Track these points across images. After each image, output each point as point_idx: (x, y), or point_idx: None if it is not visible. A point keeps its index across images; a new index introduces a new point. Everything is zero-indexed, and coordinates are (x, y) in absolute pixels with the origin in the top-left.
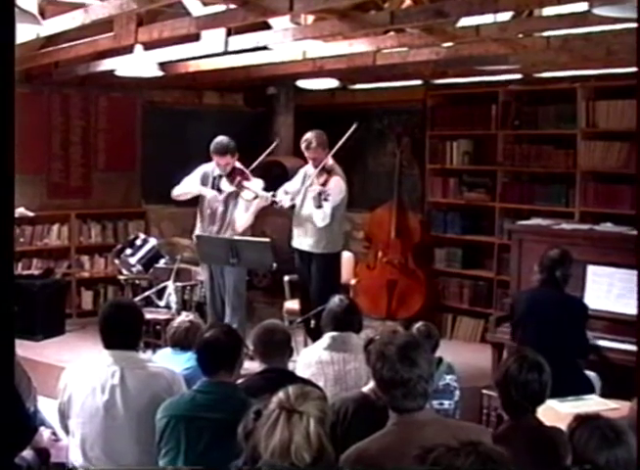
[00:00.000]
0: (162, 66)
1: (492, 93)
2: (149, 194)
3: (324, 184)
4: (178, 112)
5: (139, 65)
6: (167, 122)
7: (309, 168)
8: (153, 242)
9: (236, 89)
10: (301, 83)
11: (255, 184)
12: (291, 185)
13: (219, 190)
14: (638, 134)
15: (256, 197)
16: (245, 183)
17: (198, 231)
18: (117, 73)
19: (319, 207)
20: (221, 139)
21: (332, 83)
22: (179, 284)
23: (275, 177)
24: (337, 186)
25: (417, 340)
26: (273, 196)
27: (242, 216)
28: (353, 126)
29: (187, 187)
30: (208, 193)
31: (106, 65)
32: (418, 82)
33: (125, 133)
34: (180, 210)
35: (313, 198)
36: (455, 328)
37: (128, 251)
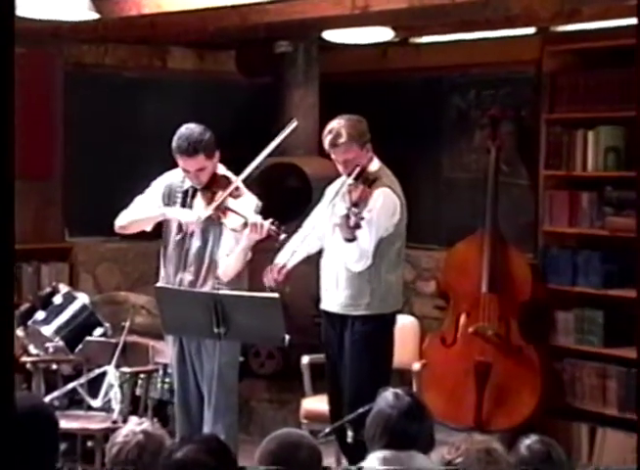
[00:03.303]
0: (98, 3)
1: None
2: (76, 219)
3: (360, 201)
4: (126, 82)
5: (59, 0)
6: (108, 99)
7: (341, 183)
8: (83, 299)
9: (223, 45)
10: (332, 35)
11: (245, 203)
12: (312, 226)
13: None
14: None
15: (246, 225)
16: (229, 203)
17: (161, 281)
18: (21, 15)
19: (350, 239)
20: (188, 129)
21: (382, 35)
22: (126, 370)
23: (286, 194)
24: (384, 203)
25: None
26: (273, 224)
27: (226, 255)
28: (293, 124)
29: (140, 212)
30: (182, 215)
31: None
32: (528, 31)
33: (36, 116)
34: (130, 245)
35: (339, 225)
36: (595, 447)
37: (40, 314)
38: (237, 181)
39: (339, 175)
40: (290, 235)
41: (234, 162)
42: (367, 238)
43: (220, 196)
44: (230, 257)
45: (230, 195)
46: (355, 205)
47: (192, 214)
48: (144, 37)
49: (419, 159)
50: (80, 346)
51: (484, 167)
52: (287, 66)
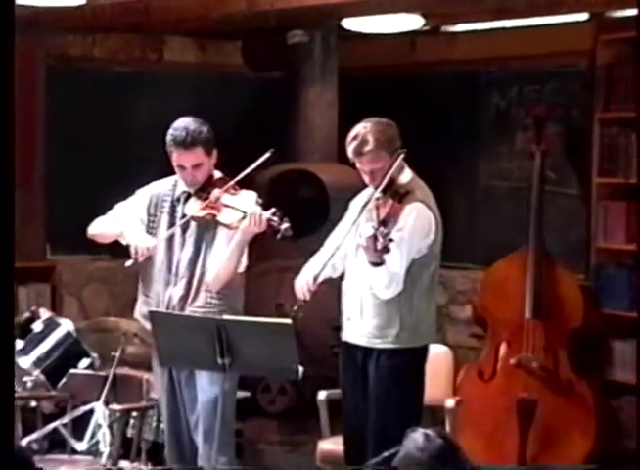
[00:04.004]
0: None
1: None
2: (60, 234)
3: (388, 219)
4: (117, 77)
5: None
6: (96, 96)
7: (367, 196)
8: (67, 326)
9: (228, 35)
10: (352, 24)
11: (243, 199)
12: (334, 245)
13: (184, 218)
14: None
15: (244, 218)
16: (224, 199)
17: (141, 303)
18: None
19: (377, 264)
20: (185, 121)
21: (410, 23)
22: (117, 408)
23: (300, 206)
24: (416, 221)
25: None
26: (274, 215)
27: (218, 256)
28: (267, 153)
29: (107, 225)
30: (138, 239)
31: None
32: (579, 17)
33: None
34: (120, 264)
35: (364, 248)
36: None
37: (18, 343)
38: (235, 180)
39: (362, 184)
40: (294, 230)
41: (238, 168)
42: (397, 261)
43: (216, 193)
44: (222, 256)
45: (226, 191)
46: (383, 223)
47: (149, 240)
48: (137, 25)
49: (452, 165)
50: (64, 380)
51: (528, 175)
52: (301, 59)
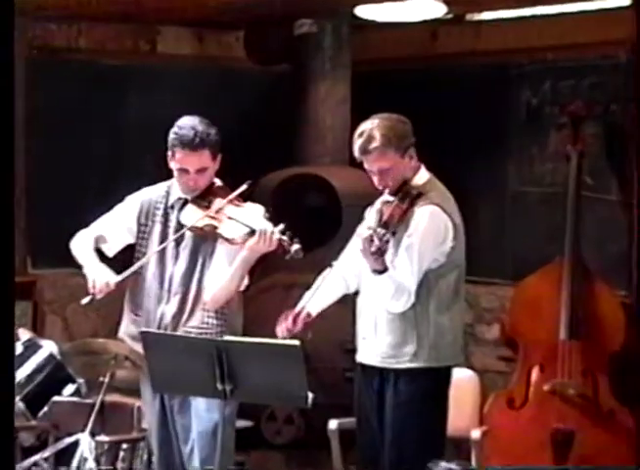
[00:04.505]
0: None
1: None
2: (41, 246)
3: (391, 221)
4: (105, 71)
5: None
6: (82, 92)
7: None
8: (49, 348)
9: (229, 25)
10: (367, 12)
11: (248, 212)
12: (349, 260)
13: (180, 227)
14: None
15: (251, 234)
16: (227, 210)
17: (128, 321)
18: None
19: (379, 271)
20: (193, 120)
21: (432, 10)
22: (105, 439)
23: (308, 215)
24: (429, 225)
25: None
26: (284, 233)
27: (218, 274)
28: (244, 185)
29: (82, 247)
30: (95, 274)
31: None
32: (621, 1)
33: None
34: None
35: (362, 250)
36: None
37: None
38: (239, 190)
39: (379, 190)
40: (306, 251)
41: (238, 173)
42: (406, 269)
43: (219, 203)
44: (223, 274)
45: (230, 202)
46: (385, 225)
47: (109, 276)
48: (128, 14)
49: (478, 169)
50: (45, 408)
51: (563, 179)
52: (310, 51)
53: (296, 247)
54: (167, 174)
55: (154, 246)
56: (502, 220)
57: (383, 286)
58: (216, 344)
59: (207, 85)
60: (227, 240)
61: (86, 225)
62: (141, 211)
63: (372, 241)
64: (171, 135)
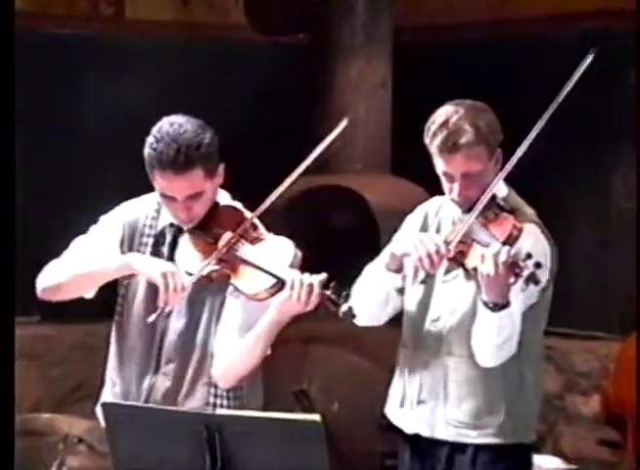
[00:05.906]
0: None
1: None
2: None
3: (510, 240)
4: (54, 42)
5: None
6: (29, 72)
7: (445, 207)
8: None
9: None
10: None
11: (272, 251)
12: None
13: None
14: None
15: (279, 287)
16: (244, 251)
17: (110, 393)
18: None
19: (502, 305)
20: (176, 127)
21: None
22: None
23: (335, 237)
24: (532, 249)
25: None
26: (326, 287)
27: (232, 341)
28: (343, 123)
29: (80, 265)
30: (159, 268)
31: None
32: None
33: None
34: (60, 330)
35: (493, 278)
36: None
37: None
38: (254, 216)
39: (421, 202)
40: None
41: (243, 182)
42: (516, 307)
43: (228, 239)
44: (238, 341)
45: (244, 237)
46: (507, 244)
47: (177, 272)
48: None
49: (568, 177)
50: None
51: None
52: (335, 16)
53: (345, 308)
54: (141, 188)
55: (142, 285)
56: (604, 248)
57: (486, 328)
58: (206, 419)
59: (195, 64)
60: (247, 296)
61: (37, 248)
62: (123, 236)
63: (516, 265)
64: (146, 149)
